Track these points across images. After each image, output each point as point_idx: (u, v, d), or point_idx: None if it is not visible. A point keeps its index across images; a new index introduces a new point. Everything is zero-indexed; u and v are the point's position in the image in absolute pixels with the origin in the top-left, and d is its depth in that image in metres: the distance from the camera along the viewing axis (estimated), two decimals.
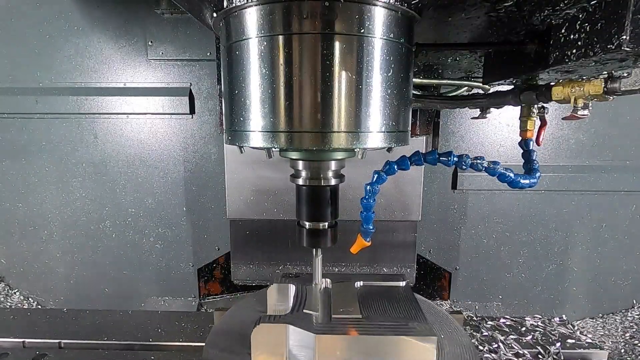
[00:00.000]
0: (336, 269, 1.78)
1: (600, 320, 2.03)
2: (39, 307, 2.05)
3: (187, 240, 2.00)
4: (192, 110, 1.87)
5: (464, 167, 0.95)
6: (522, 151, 1.08)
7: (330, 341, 0.87)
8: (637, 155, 1.90)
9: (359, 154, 0.87)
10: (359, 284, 1.18)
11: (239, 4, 0.77)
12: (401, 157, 0.98)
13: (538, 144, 1.06)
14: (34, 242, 2.02)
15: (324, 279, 1.14)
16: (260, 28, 0.77)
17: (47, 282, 2.06)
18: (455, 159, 0.95)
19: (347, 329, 0.91)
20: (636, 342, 1.82)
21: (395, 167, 0.97)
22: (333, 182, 0.99)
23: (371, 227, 1.01)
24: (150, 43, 1.82)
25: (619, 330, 1.93)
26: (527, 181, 0.98)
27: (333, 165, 0.98)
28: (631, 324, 1.96)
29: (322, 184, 0.98)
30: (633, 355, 1.73)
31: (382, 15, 0.76)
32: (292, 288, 1.10)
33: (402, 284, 1.19)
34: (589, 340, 1.33)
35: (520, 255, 2.00)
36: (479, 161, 0.94)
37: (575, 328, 1.44)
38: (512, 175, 0.96)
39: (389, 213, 1.68)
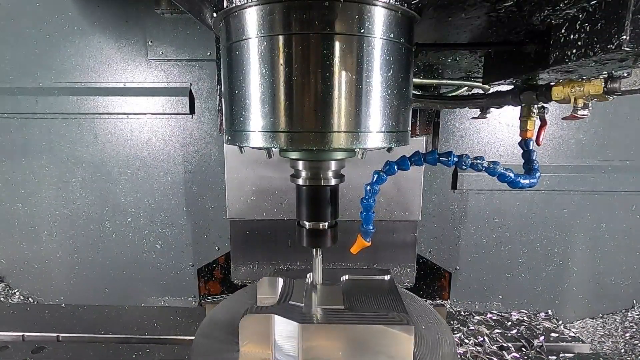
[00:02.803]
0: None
1: (600, 320, 2.03)
2: (39, 303, 2.04)
3: (187, 240, 2.00)
4: (192, 110, 1.87)
5: (463, 167, 0.95)
6: (522, 151, 1.08)
7: (313, 330, 0.91)
8: (637, 155, 1.90)
9: (359, 154, 0.87)
10: (344, 278, 1.22)
11: (239, 4, 0.77)
12: (401, 157, 0.98)
13: (538, 144, 1.06)
14: (34, 242, 2.02)
15: (309, 274, 1.18)
16: (260, 28, 0.77)
17: (47, 282, 2.06)
18: (455, 159, 0.95)
19: (329, 319, 0.95)
20: (636, 342, 1.82)
21: (395, 167, 0.97)
22: (333, 182, 0.99)
23: (371, 227, 1.01)
24: (150, 43, 1.82)
25: (619, 330, 1.93)
26: (527, 181, 0.98)
27: (333, 165, 0.98)
28: (631, 324, 1.96)
29: (322, 184, 0.99)
30: (633, 355, 1.73)
31: (382, 15, 0.76)
32: (280, 281, 1.14)
33: (387, 277, 1.23)
34: (572, 335, 1.37)
35: (520, 255, 2.00)
36: (478, 161, 0.94)
37: (560, 322, 1.46)
38: (512, 175, 0.96)
39: (389, 213, 1.68)
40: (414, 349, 0.91)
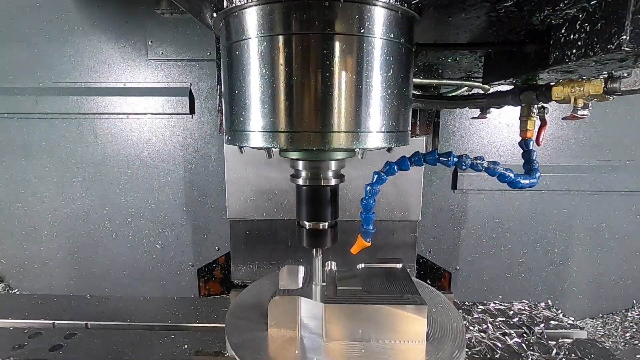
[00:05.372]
0: None
1: (600, 320, 2.03)
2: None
3: (187, 240, 2.00)
4: (192, 110, 1.87)
5: (463, 167, 0.95)
6: (522, 151, 1.08)
7: (336, 310, 0.99)
8: (637, 155, 1.90)
9: (359, 154, 0.87)
10: (360, 265, 1.29)
11: (239, 3, 0.77)
12: (401, 157, 0.98)
13: (538, 144, 1.06)
14: (34, 242, 2.02)
15: (329, 262, 1.27)
16: (260, 28, 0.77)
17: (47, 282, 2.06)
18: (455, 159, 0.95)
19: (351, 300, 1.02)
20: (636, 342, 1.82)
21: (395, 167, 0.97)
22: (333, 182, 0.99)
23: (371, 228, 1.01)
24: (150, 43, 1.82)
25: (619, 330, 1.93)
26: (527, 181, 0.98)
27: (333, 165, 0.98)
28: (631, 324, 1.96)
29: (322, 184, 0.98)
30: (633, 355, 1.73)
31: (382, 15, 0.76)
32: (302, 269, 1.21)
33: (399, 265, 1.29)
34: (571, 322, 1.44)
35: (520, 255, 2.00)
36: (478, 161, 0.94)
37: (559, 311, 1.53)
38: (512, 175, 0.96)
39: (389, 213, 1.68)
40: (426, 329, 0.99)
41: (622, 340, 1.85)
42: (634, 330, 1.91)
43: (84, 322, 1.39)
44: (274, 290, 1.06)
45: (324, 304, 0.99)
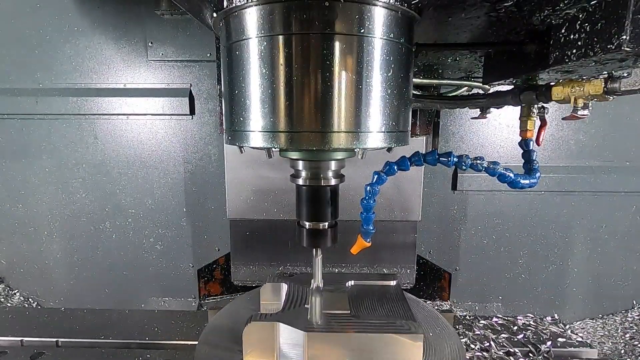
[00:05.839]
0: (336, 270, 1.78)
1: (600, 320, 2.03)
2: (39, 307, 2.04)
3: (187, 241, 2.00)
4: (192, 111, 1.87)
5: (463, 167, 0.95)
6: (522, 151, 1.08)
7: (319, 338, 0.89)
8: (637, 155, 1.90)
9: (359, 154, 0.87)
10: (350, 283, 1.19)
11: (239, 3, 0.77)
12: (401, 157, 0.98)
13: (538, 144, 1.06)
14: (34, 242, 2.02)
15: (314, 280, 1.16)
16: (260, 28, 0.77)
17: (47, 283, 2.06)
18: (455, 159, 0.95)
19: (336, 327, 0.92)
20: (636, 342, 1.82)
21: (395, 167, 0.97)
22: (333, 182, 0.99)
23: (371, 228, 1.01)
24: (150, 44, 1.82)
25: (619, 330, 1.93)
26: (527, 181, 0.98)
27: (333, 165, 0.98)
28: (631, 325, 1.95)
29: (322, 184, 0.98)
30: (633, 356, 1.73)
31: (382, 15, 0.76)
32: (285, 287, 1.12)
33: (393, 283, 1.20)
34: (580, 339, 1.35)
35: (520, 256, 2.00)
36: (478, 161, 0.94)
37: (567, 327, 1.44)
38: (512, 175, 0.96)
39: (389, 213, 1.68)
40: (423, 358, 0.89)
41: (622, 341, 1.85)
42: (634, 331, 1.91)
43: (55, 340, 1.29)
44: (251, 313, 0.97)
45: (306, 332, 0.89)
